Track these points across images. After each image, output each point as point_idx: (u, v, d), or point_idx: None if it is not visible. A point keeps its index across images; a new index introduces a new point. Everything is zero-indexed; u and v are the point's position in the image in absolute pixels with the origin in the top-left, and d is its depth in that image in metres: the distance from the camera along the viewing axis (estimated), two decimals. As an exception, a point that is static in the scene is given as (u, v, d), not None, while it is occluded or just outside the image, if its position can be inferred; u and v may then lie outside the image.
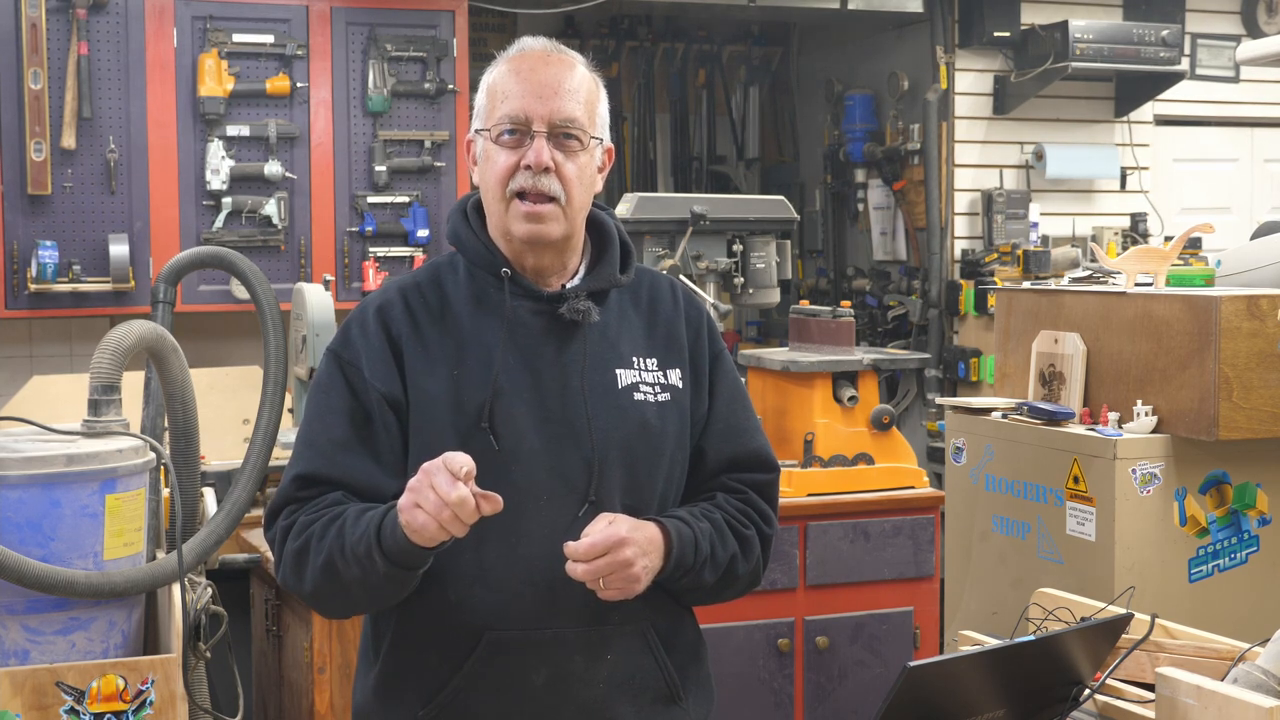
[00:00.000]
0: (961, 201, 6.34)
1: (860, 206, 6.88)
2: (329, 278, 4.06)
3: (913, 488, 3.96)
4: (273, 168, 5.28)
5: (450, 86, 5.49)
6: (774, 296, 4.27)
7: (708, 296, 4.02)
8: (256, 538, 3.64)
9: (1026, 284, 4.68)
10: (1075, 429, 3.86)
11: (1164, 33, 6.08)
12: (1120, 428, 3.79)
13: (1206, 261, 5.35)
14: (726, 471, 2.10)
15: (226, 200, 5.25)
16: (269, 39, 5.30)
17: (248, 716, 3.47)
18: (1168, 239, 6.31)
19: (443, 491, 1.74)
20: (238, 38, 5.26)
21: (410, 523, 1.78)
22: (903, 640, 3.91)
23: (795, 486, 3.83)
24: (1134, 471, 3.67)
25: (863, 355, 4.01)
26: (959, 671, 1.84)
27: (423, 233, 5.46)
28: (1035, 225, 6.28)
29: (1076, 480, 3.78)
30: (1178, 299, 3.69)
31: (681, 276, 3.94)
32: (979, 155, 6.36)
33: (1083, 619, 2.22)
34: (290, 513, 1.96)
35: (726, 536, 2.04)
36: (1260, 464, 3.77)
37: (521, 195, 1.96)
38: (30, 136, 4.97)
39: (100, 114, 5.11)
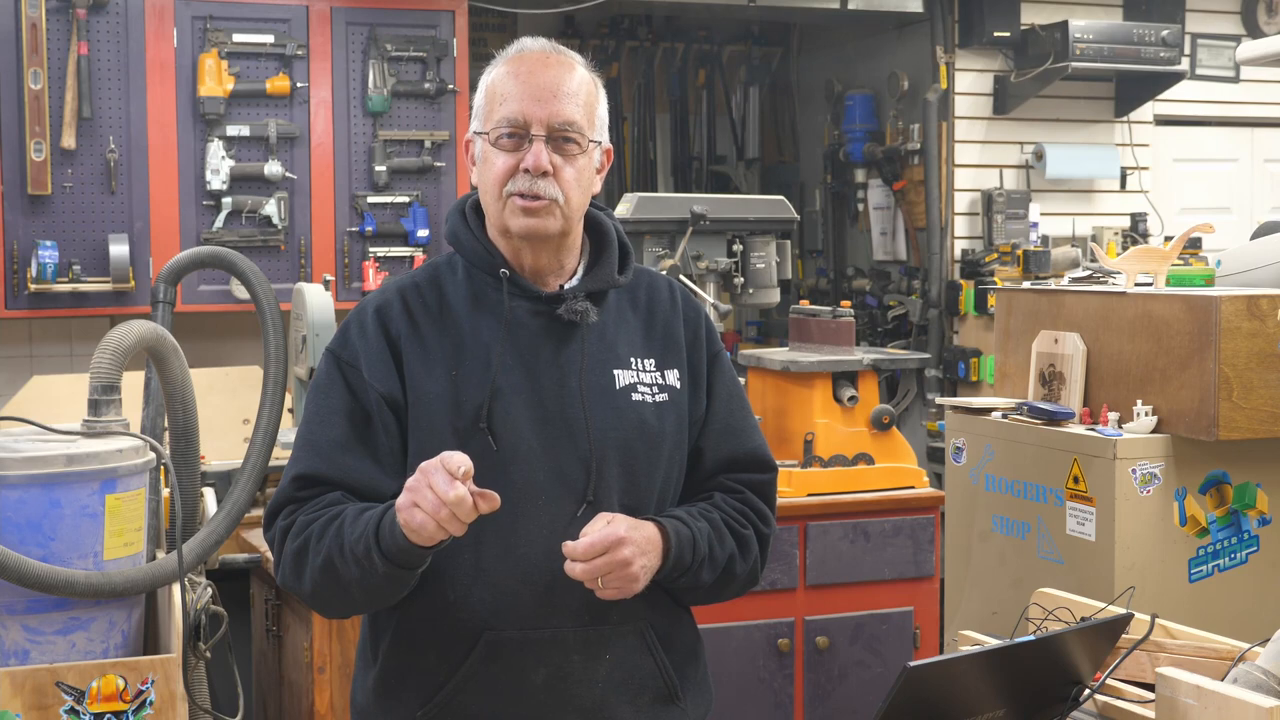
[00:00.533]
0: (961, 201, 6.34)
1: (860, 206, 6.88)
2: (329, 278, 4.06)
3: (913, 488, 3.96)
4: (273, 168, 5.28)
5: (450, 86, 5.49)
6: (774, 296, 4.27)
7: (708, 296, 4.02)
8: (256, 538, 3.64)
9: (1026, 284, 4.68)
10: (1075, 429, 3.85)
11: (1164, 33, 6.08)
12: (1120, 428, 3.79)
13: (1206, 261, 5.35)
14: (724, 471, 2.11)
15: (226, 200, 5.25)
16: (269, 39, 5.30)
17: (248, 716, 3.47)
18: (1168, 239, 6.31)
19: (440, 491, 1.74)
20: (238, 38, 5.27)
21: (408, 522, 1.78)
22: (903, 640, 3.91)
23: (795, 486, 3.84)
24: (1134, 471, 3.67)
25: (863, 355, 4.01)
26: (959, 671, 1.84)
27: (423, 233, 5.47)
28: (1035, 225, 6.28)
29: (1076, 480, 3.78)
30: (1178, 299, 3.69)
31: (681, 276, 3.94)
32: (979, 155, 6.36)
33: (1083, 619, 2.22)
34: (289, 513, 1.96)
35: (724, 536, 2.04)
36: (1260, 464, 3.76)
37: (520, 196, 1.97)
38: (30, 136, 4.97)
39: (100, 114, 5.11)
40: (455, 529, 1.77)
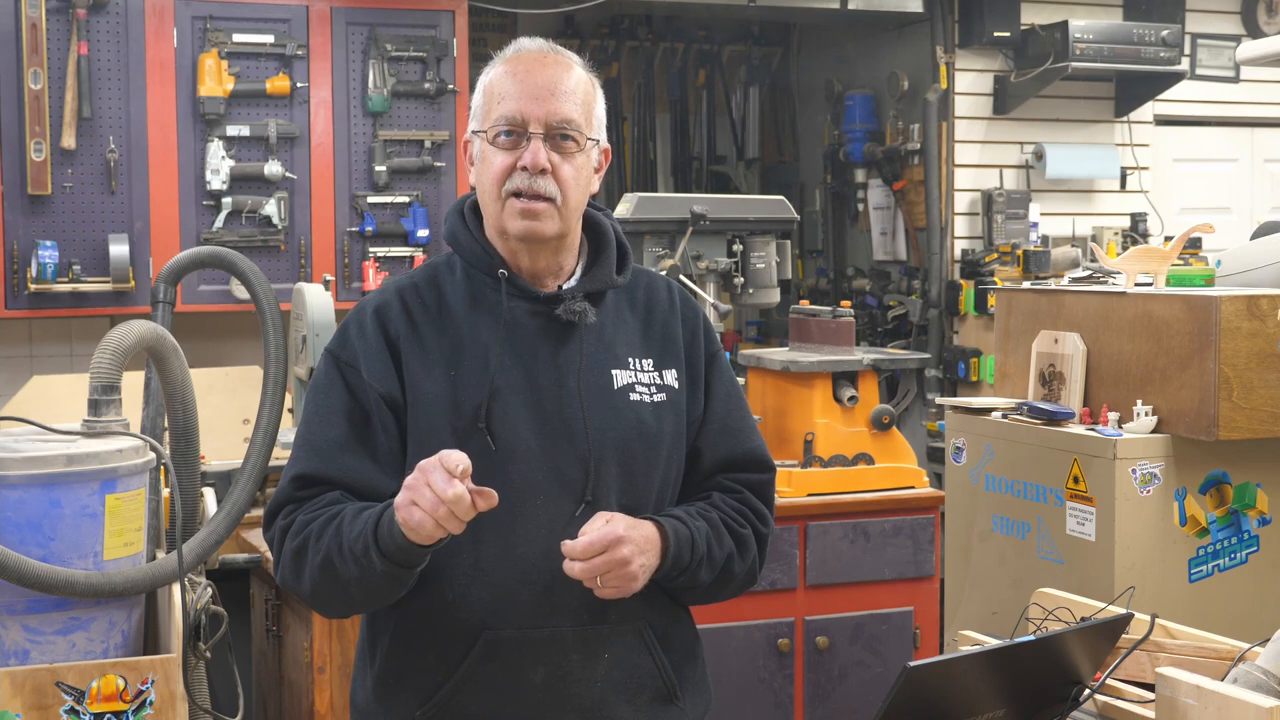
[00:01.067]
0: (961, 201, 6.34)
1: (860, 206, 6.88)
2: (329, 278, 4.06)
3: (913, 488, 3.96)
4: (273, 168, 5.28)
5: (450, 86, 5.49)
6: (774, 296, 4.27)
7: (708, 296, 4.02)
8: (256, 538, 3.64)
9: (1026, 284, 4.68)
10: (1075, 429, 3.85)
11: (1164, 33, 6.08)
12: (1120, 428, 3.79)
13: (1206, 261, 5.35)
14: (722, 471, 2.11)
15: (226, 200, 5.25)
16: (269, 39, 5.30)
17: (248, 716, 3.47)
18: (1168, 239, 6.31)
19: (439, 489, 1.74)
20: (238, 38, 5.26)
21: (407, 520, 1.78)
22: (903, 640, 3.91)
23: (795, 486, 3.84)
24: (1134, 471, 3.67)
25: (863, 355, 4.01)
26: (959, 671, 1.84)
27: (423, 233, 5.47)
28: (1035, 225, 6.28)
29: (1076, 480, 3.78)
30: (1178, 299, 3.69)
31: (681, 276, 3.94)
32: (979, 155, 6.36)
33: (1083, 619, 2.22)
34: (289, 512, 1.96)
35: (723, 535, 2.05)
36: (1260, 464, 3.76)
37: (518, 195, 1.97)
38: (30, 136, 4.97)
39: (100, 114, 5.11)
40: (454, 527, 1.77)
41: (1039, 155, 6.34)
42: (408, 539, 1.81)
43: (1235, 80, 6.70)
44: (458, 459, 1.75)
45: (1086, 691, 2.01)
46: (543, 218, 1.97)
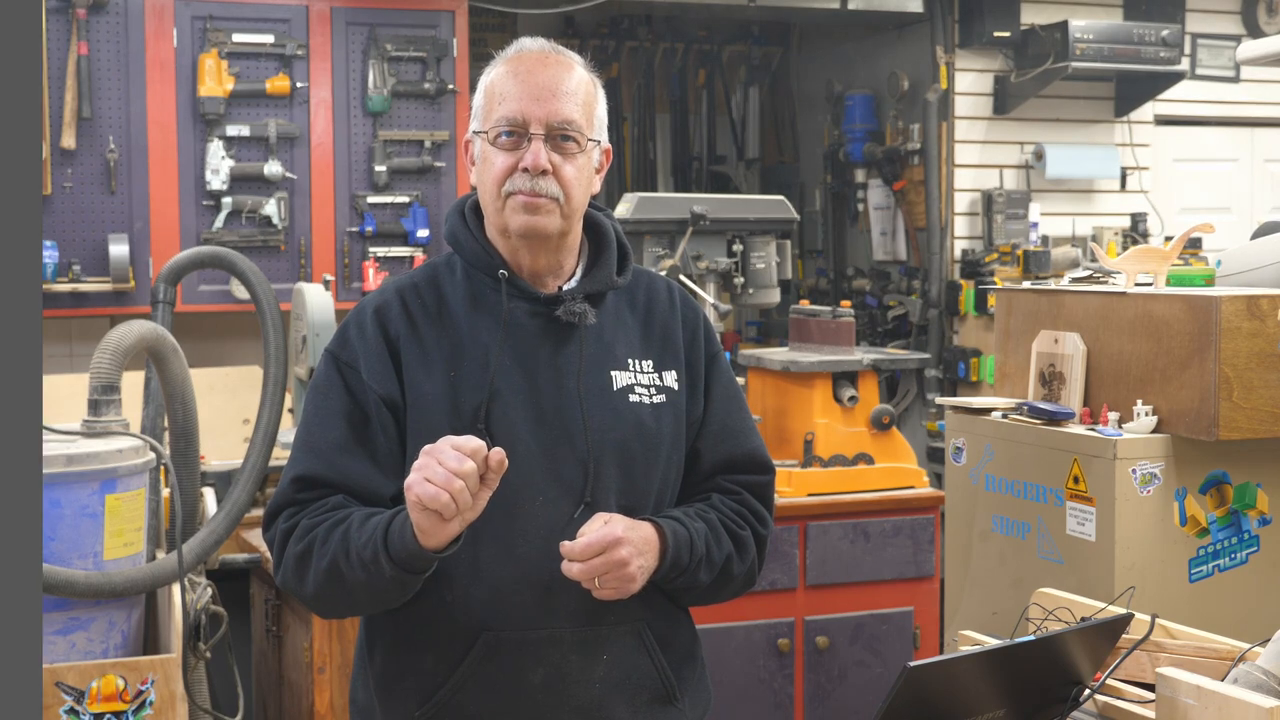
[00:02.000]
0: (961, 201, 6.34)
1: (860, 206, 6.89)
2: (329, 278, 4.06)
3: (913, 488, 3.97)
4: (273, 168, 5.28)
5: (450, 86, 5.49)
6: (774, 296, 4.28)
7: (708, 297, 4.02)
8: (256, 538, 3.64)
9: (1026, 284, 4.68)
10: (1075, 429, 3.85)
11: (1164, 33, 6.09)
12: (1120, 428, 3.78)
13: (1206, 261, 5.35)
14: (722, 473, 2.11)
15: (226, 200, 5.25)
16: (269, 39, 5.30)
17: (248, 716, 3.47)
18: (1168, 239, 6.31)
19: (451, 465, 1.73)
20: (238, 38, 5.27)
21: (421, 496, 1.74)
22: (903, 640, 3.91)
23: (795, 486, 3.83)
24: (1134, 471, 3.67)
25: (863, 355, 4.02)
26: (959, 671, 1.84)
27: (423, 233, 5.47)
28: (1035, 225, 6.28)
29: (1076, 480, 3.78)
30: (1178, 299, 3.69)
31: (681, 276, 3.94)
32: (979, 155, 6.36)
33: (1083, 619, 2.22)
34: (290, 515, 1.96)
35: (722, 537, 2.04)
36: (1260, 464, 3.76)
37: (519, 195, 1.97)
38: (30, 136, 4.97)
39: (100, 114, 5.11)
40: (464, 501, 1.74)
41: (1039, 155, 6.34)
42: (419, 544, 1.80)
43: (1235, 80, 6.71)
44: (464, 439, 1.75)
45: (1086, 691, 2.01)
46: (544, 212, 1.96)
